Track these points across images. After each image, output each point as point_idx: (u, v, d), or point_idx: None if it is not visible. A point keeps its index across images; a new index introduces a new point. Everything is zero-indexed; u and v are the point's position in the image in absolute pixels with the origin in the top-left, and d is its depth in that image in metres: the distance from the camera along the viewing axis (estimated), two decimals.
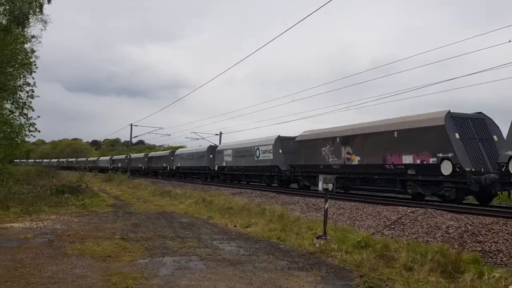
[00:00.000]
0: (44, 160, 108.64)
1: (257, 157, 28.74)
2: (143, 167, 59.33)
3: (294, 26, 19.39)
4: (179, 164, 45.98)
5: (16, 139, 25.48)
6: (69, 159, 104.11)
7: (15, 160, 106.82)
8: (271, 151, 26.97)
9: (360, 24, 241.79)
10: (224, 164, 34.47)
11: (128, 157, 61.67)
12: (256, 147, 29.05)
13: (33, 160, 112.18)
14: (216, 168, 35.67)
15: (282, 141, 26.70)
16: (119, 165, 67.20)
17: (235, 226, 12.83)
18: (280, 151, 26.27)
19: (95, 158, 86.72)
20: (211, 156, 37.48)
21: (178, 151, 49.16)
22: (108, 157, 79.57)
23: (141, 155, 64.61)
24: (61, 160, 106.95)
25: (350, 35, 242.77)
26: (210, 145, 38.83)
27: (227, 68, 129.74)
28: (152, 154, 61.38)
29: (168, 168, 49.17)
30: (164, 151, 59.44)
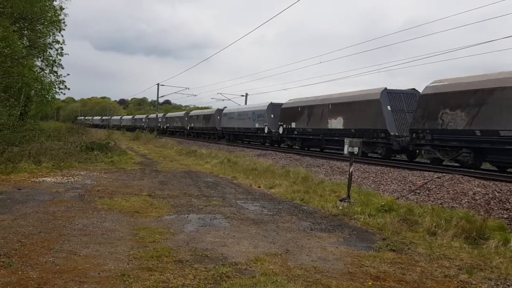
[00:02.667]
0: (113, 118, 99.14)
1: None
2: (217, 128, 42.57)
3: None
4: (293, 125, 27.75)
5: (47, 96, 26.02)
6: (136, 117, 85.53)
7: (79, 118, 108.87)
8: None
9: None
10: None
11: (156, 116, 61.99)
12: None
13: (99, 117, 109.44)
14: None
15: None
16: (210, 124, 44.29)
17: (259, 186, 12.96)
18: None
19: (174, 114, 63.45)
20: (387, 108, 19.81)
21: (289, 102, 29.78)
22: (182, 113, 57.88)
23: (211, 111, 46.65)
24: (114, 118, 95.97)
25: None
26: (386, 89, 20.26)
27: (255, 27, 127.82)
28: (229, 110, 41.44)
29: (267, 130, 31.23)
30: (257, 104, 35.95)
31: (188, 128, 51.18)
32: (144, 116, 78.11)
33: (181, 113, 57.67)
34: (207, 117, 45.45)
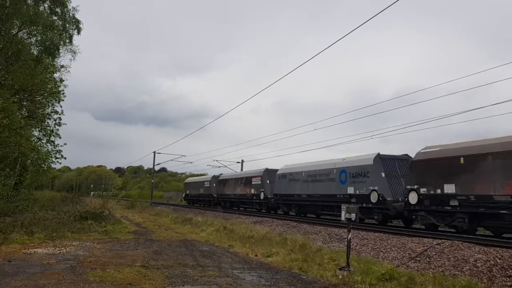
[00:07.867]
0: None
1: None
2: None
3: (316, 56, 19.99)
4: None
5: (43, 165, 26.01)
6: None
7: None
8: None
9: (383, 57, 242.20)
10: None
11: (152, 183, 61.79)
12: None
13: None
14: None
15: None
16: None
17: (256, 255, 12.68)
18: None
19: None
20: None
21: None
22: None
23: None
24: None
25: (374, 67, 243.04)
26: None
27: (251, 98, 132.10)
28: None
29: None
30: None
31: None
32: None
33: None
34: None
